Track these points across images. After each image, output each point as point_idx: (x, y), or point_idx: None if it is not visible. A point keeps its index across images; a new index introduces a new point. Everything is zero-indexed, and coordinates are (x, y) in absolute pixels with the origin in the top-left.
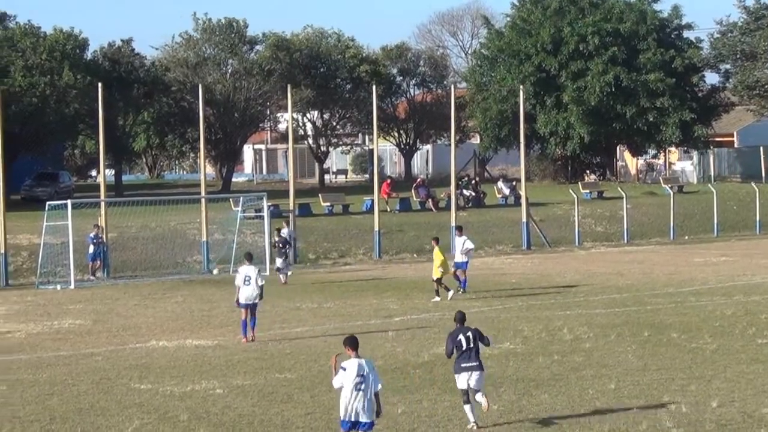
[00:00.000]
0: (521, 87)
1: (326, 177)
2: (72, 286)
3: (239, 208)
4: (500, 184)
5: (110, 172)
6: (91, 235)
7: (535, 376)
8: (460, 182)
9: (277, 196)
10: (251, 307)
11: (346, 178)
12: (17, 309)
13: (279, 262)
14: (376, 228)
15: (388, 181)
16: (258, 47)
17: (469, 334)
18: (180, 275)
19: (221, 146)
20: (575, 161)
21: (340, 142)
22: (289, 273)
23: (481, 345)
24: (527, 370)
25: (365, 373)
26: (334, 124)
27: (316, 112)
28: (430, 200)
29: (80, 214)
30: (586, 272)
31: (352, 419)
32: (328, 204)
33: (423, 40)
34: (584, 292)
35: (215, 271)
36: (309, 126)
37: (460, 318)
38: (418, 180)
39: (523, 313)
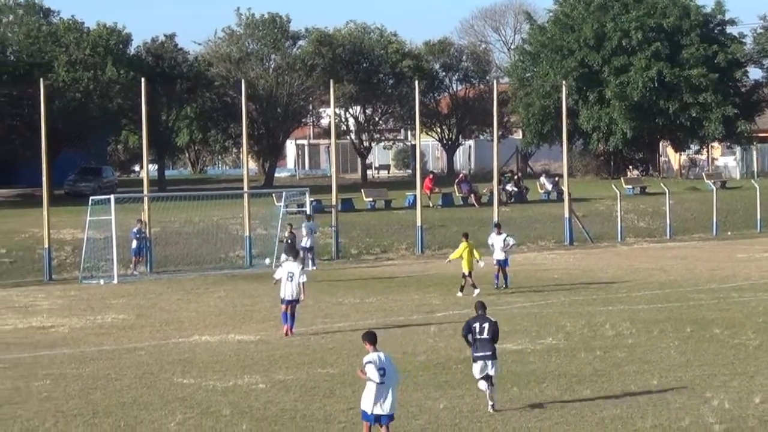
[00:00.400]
0: (564, 82)
1: (369, 172)
2: (115, 281)
3: (282, 203)
4: (543, 179)
5: (153, 167)
6: (134, 229)
7: (577, 372)
8: (502, 177)
9: (320, 191)
10: (292, 304)
11: (388, 173)
12: (61, 303)
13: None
14: (419, 223)
15: (431, 176)
16: (301, 42)
17: (486, 324)
18: (223, 270)
19: (264, 141)
20: (618, 157)
21: (383, 138)
22: (312, 266)
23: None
24: (569, 366)
25: (384, 366)
26: (377, 119)
27: (358, 108)
28: (472, 195)
29: (123, 209)
30: (628, 268)
31: (376, 412)
32: (371, 199)
33: (466, 35)
34: (626, 288)
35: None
36: (351, 121)
37: (481, 306)
38: (461, 175)
39: (566, 308)
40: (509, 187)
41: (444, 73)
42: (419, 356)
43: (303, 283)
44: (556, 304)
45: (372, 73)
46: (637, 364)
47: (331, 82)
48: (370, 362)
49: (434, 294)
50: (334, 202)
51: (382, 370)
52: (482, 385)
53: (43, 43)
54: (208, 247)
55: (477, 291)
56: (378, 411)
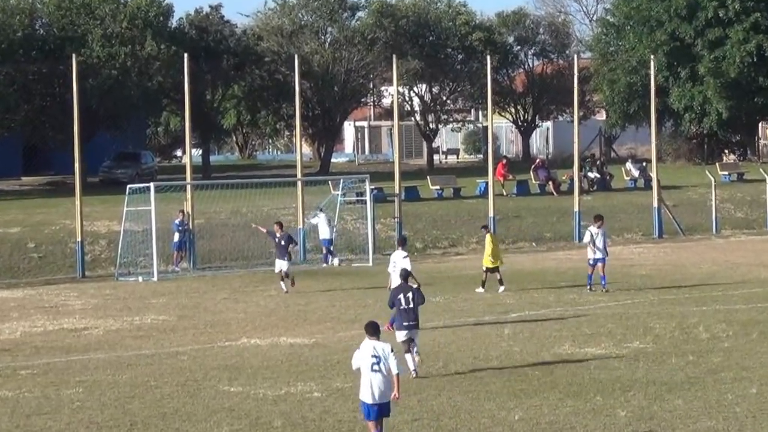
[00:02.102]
0: (652, 57)
1: (435, 157)
2: (155, 278)
3: (339, 192)
4: (629, 165)
5: (197, 152)
6: (176, 221)
7: (667, 379)
8: (583, 163)
9: (381, 178)
10: None
11: (457, 158)
12: (95, 303)
13: (283, 265)
14: (491, 214)
15: (504, 161)
16: (360, 14)
17: (410, 294)
18: (273, 266)
19: (319, 123)
20: (712, 140)
21: (451, 119)
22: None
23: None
24: (659, 372)
25: (379, 354)
26: (444, 98)
27: (424, 86)
28: (550, 183)
29: (164, 199)
30: (724, 263)
31: (376, 401)
32: (438, 187)
33: (543, 5)
34: (722, 286)
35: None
36: (416, 101)
37: (404, 275)
38: (537, 161)
39: (655, 308)
40: (591, 174)
41: (519, 48)
42: (492, 361)
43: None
44: (643, 303)
45: (439, 47)
46: (734, 370)
47: (394, 57)
48: (358, 349)
49: (508, 292)
50: (396, 191)
51: (375, 358)
52: (408, 357)
53: (75, 15)
54: (257, 240)
55: (481, 290)
56: (375, 400)
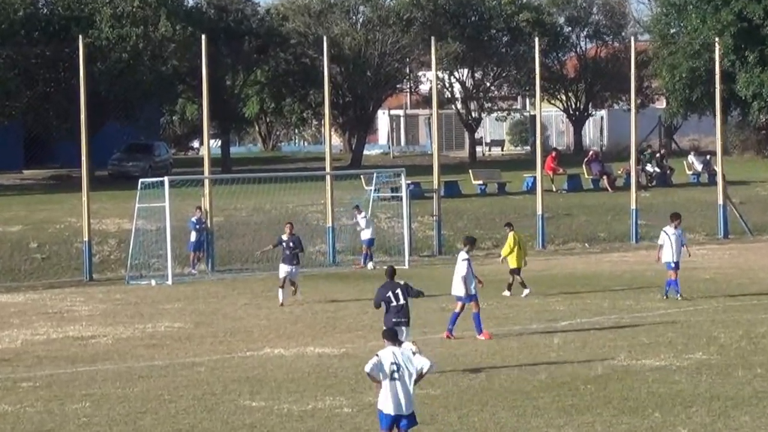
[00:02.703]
0: (717, 40)
1: (478, 149)
2: (169, 281)
3: (372, 187)
4: (691, 158)
5: (216, 143)
6: (193, 219)
7: (733, 394)
8: (641, 155)
9: (418, 172)
10: (461, 301)
11: (502, 150)
12: (103, 309)
13: (291, 270)
14: (539, 211)
15: (554, 154)
16: None
17: (398, 291)
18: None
19: (350, 112)
20: None
21: (495, 107)
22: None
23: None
24: (723, 386)
25: (399, 361)
26: (488, 84)
27: (465, 71)
28: (604, 177)
29: (180, 194)
30: None
31: (397, 412)
32: (481, 182)
33: None
34: None
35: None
36: (457, 87)
37: (390, 273)
38: (591, 153)
39: (719, 316)
40: (650, 168)
41: (570, 29)
42: (539, 374)
43: (463, 276)
44: (707, 310)
45: (482, 28)
46: None
47: (432, 39)
48: (376, 356)
49: (557, 298)
50: (435, 186)
51: (394, 365)
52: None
53: None
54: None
55: (526, 291)
56: (398, 411)
